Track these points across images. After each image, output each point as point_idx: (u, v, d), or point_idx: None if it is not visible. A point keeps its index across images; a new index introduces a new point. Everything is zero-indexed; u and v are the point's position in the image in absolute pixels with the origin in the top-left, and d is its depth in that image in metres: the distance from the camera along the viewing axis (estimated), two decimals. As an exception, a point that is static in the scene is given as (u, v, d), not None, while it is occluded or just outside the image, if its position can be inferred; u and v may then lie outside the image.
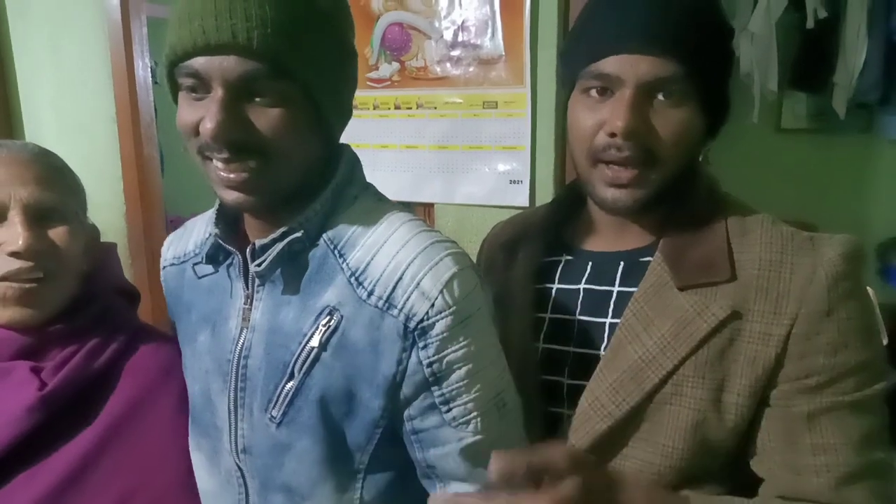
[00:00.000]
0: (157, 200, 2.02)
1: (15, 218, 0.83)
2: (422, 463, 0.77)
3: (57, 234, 0.86)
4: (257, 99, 0.69)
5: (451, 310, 0.71)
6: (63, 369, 0.84)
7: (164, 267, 0.93)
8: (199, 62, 0.67)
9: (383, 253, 0.74)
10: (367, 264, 0.74)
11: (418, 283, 0.71)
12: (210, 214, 0.85)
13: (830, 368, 0.73)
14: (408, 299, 0.71)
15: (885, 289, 2.97)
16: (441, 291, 0.71)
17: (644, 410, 0.78)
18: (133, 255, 1.98)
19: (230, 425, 0.79)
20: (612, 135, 0.77)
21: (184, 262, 0.89)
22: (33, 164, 0.87)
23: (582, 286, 0.87)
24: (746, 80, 3.37)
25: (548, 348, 0.87)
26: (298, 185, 0.75)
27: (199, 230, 0.90)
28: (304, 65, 0.69)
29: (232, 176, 0.71)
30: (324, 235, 0.77)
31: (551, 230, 0.93)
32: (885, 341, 0.98)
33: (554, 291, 0.89)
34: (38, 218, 0.85)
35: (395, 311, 0.71)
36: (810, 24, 3.20)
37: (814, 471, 0.73)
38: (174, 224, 2.19)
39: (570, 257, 0.90)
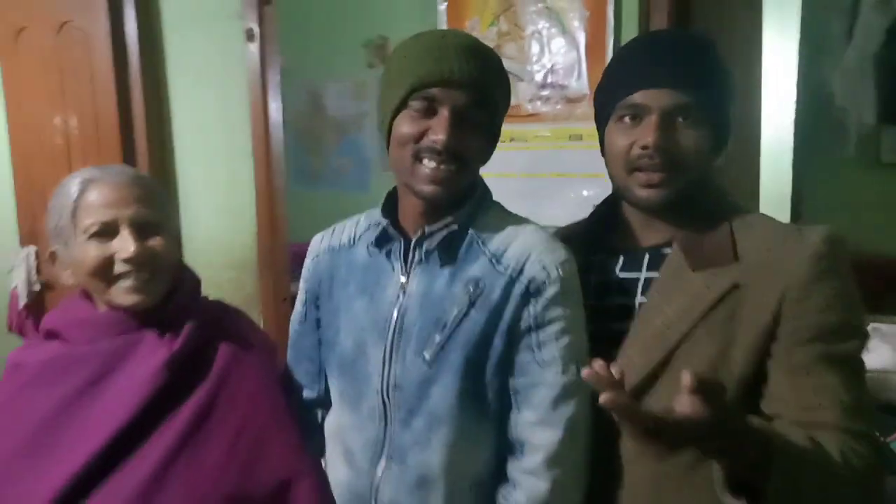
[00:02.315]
0: (283, 222, 2.31)
1: (125, 232, 1.07)
2: (511, 389, 0.99)
3: (156, 242, 1.10)
4: (469, 120, 0.97)
5: (559, 282, 0.98)
6: (181, 335, 1.08)
7: (318, 255, 1.17)
8: (433, 91, 0.96)
9: (517, 241, 1.01)
10: (505, 249, 1.00)
11: (541, 260, 0.98)
12: (361, 217, 1.14)
13: (819, 325, 0.91)
14: (532, 271, 0.97)
15: None
16: (556, 267, 0.98)
17: (667, 367, 0.96)
18: (261, 271, 2.28)
19: (384, 369, 1.02)
20: (645, 147, 0.98)
21: (338, 250, 1.14)
22: (134, 186, 1.10)
23: (617, 275, 1.06)
24: (841, 114, 3.39)
25: (591, 328, 1.05)
26: (460, 191, 1.02)
27: (348, 228, 1.15)
28: (501, 110, 1.05)
29: (440, 174, 0.96)
30: (470, 230, 1.02)
31: (591, 235, 1.14)
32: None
33: (595, 282, 1.08)
34: (141, 230, 1.08)
35: (523, 279, 0.98)
36: (907, 57, 3.20)
37: (819, 407, 0.89)
38: (296, 248, 2.48)
39: (604, 255, 1.10)
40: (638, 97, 0.99)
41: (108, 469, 0.99)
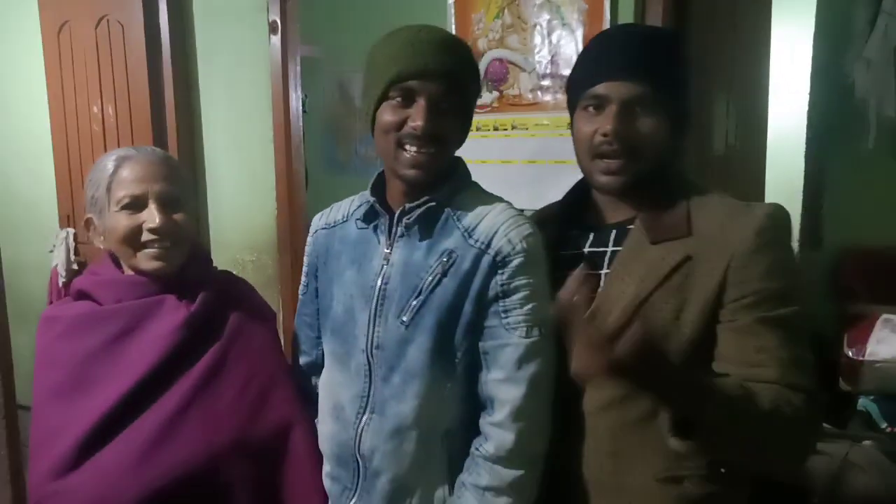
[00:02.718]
0: (301, 207, 2.43)
1: (152, 206, 1.20)
2: (481, 351, 1.10)
3: (179, 216, 1.23)
4: (443, 106, 1.07)
5: (523, 253, 1.07)
6: (197, 300, 1.22)
7: (316, 231, 1.29)
8: (411, 83, 1.07)
9: (487, 218, 1.11)
10: (476, 225, 1.10)
11: (507, 235, 1.08)
12: (356, 197, 1.25)
13: (760, 291, 1.00)
14: (499, 244, 1.07)
15: None
16: (520, 241, 1.07)
17: (629, 328, 1.03)
18: (280, 250, 2.40)
19: (368, 330, 1.13)
20: (605, 134, 1.07)
21: (334, 226, 1.26)
22: (162, 165, 1.24)
23: (587, 249, 1.16)
24: (863, 105, 3.38)
25: None
26: (439, 172, 1.12)
27: (343, 207, 1.27)
28: (472, 95, 1.14)
29: (421, 158, 1.07)
30: (448, 207, 1.13)
31: (565, 214, 1.23)
32: None
33: (568, 255, 1.17)
34: (166, 205, 1.21)
35: (491, 251, 1.08)
36: (930, 48, 3.18)
37: (760, 364, 0.98)
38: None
39: (577, 231, 1.19)
40: (600, 88, 1.07)
41: (134, 412, 1.14)
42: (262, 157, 2.42)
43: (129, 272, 1.25)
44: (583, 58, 1.17)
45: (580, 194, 1.23)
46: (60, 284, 2.93)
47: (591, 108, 1.10)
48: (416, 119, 1.06)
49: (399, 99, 1.08)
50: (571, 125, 1.16)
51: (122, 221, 1.19)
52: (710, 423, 0.90)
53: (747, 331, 1.00)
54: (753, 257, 1.00)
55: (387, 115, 1.09)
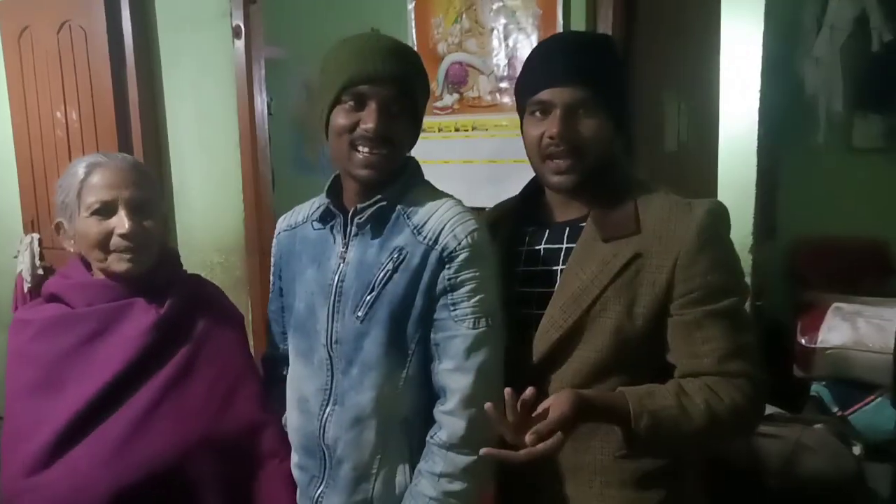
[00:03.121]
0: (269, 208, 2.46)
1: (122, 212, 1.23)
2: (433, 343, 1.15)
3: (148, 223, 1.26)
4: (394, 110, 1.13)
5: (469, 248, 1.12)
6: (167, 302, 1.25)
7: (279, 233, 1.34)
8: (362, 88, 1.11)
9: (435, 215, 1.15)
10: (425, 222, 1.15)
11: (453, 230, 1.13)
12: (316, 199, 1.29)
13: (705, 286, 1.07)
14: (445, 239, 1.12)
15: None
16: (466, 237, 1.12)
17: (583, 323, 1.12)
18: (249, 251, 2.43)
19: (328, 326, 1.18)
20: (552, 137, 1.13)
21: (295, 228, 1.31)
22: (132, 171, 1.27)
23: (542, 246, 1.20)
24: (813, 101, 3.51)
25: (521, 291, 1.20)
26: (392, 172, 1.17)
27: (304, 210, 1.31)
28: (420, 99, 1.19)
29: (373, 159, 1.13)
30: (398, 205, 1.17)
31: (520, 212, 1.29)
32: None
33: (524, 252, 1.23)
34: (135, 211, 1.24)
35: (438, 247, 1.12)
36: (875, 46, 3.31)
37: (704, 355, 1.06)
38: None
39: (532, 228, 1.24)
40: (544, 94, 1.14)
41: (105, 411, 1.17)
42: (228, 160, 2.44)
43: (98, 275, 1.27)
44: (527, 66, 1.22)
45: (534, 192, 1.29)
46: (26, 290, 2.92)
47: (537, 113, 1.16)
48: (368, 121, 1.11)
49: (351, 103, 1.12)
50: (521, 129, 1.22)
51: (93, 227, 1.22)
52: (647, 435, 1.00)
53: (694, 324, 1.07)
54: (697, 255, 1.07)
55: (340, 119, 1.14)
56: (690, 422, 1.03)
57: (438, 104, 2.00)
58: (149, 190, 1.28)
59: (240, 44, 2.37)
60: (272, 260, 1.36)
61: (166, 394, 1.20)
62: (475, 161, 1.96)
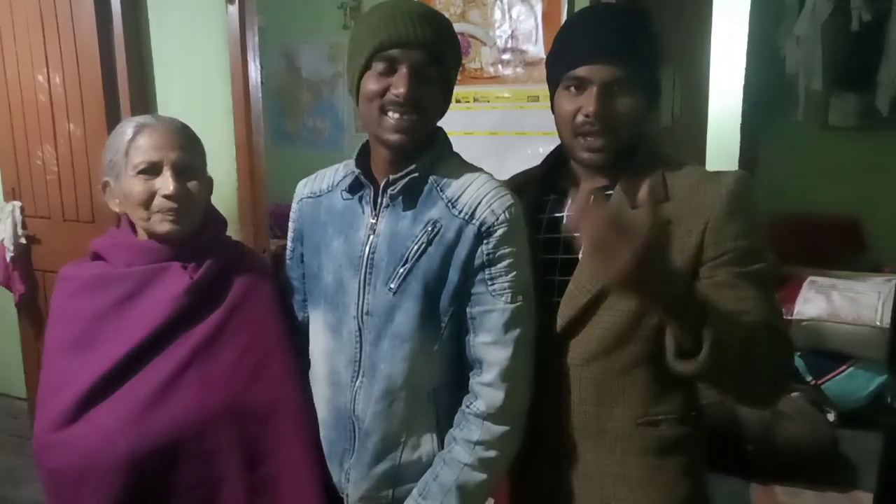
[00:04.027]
0: (262, 178, 2.45)
1: (167, 173, 1.24)
2: (468, 316, 1.16)
3: (192, 184, 1.26)
4: (424, 75, 1.12)
5: (507, 223, 1.12)
6: (202, 268, 1.26)
7: (301, 199, 1.33)
8: (393, 52, 1.11)
9: (470, 188, 1.15)
10: (459, 195, 1.15)
11: (490, 205, 1.13)
12: (339, 165, 1.28)
13: (735, 250, 1.09)
14: (483, 214, 1.12)
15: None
16: (503, 212, 1.12)
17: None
18: (241, 221, 2.42)
19: (359, 298, 1.19)
20: (587, 115, 1.13)
21: (320, 196, 1.30)
22: (179, 134, 1.28)
23: (566, 213, 1.23)
24: (792, 80, 3.58)
25: (543, 258, 1.22)
26: (425, 141, 1.16)
27: (328, 176, 1.31)
28: (451, 67, 1.17)
29: (403, 123, 1.12)
30: (431, 177, 1.17)
31: (543, 180, 1.30)
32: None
33: (545, 219, 1.25)
34: (181, 173, 1.25)
35: (475, 222, 1.13)
36: (854, 26, 3.39)
37: (743, 311, 1.07)
38: (272, 209, 2.60)
39: (555, 196, 1.26)
40: (581, 71, 1.13)
41: (133, 373, 1.19)
42: (221, 129, 2.42)
43: (143, 236, 1.29)
44: (563, 38, 1.22)
45: (558, 161, 1.30)
46: (8, 259, 2.86)
47: (572, 88, 1.16)
48: (399, 86, 1.10)
49: (382, 68, 1.12)
50: (552, 101, 1.22)
51: (138, 186, 1.23)
52: (713, 341, 0.95)
53: (727, 284, 1.10)
54: (727, 219, 1.10)
55: (370, 84, 1.13)
56: (751, 344, 1.02)
57: (439, 75, 2.00)
58: (195, 154, 1.29)
59: (233, 9, 2.33)
60: (291, 225, 1.35)
61: (193, 359, 1.21)
62: (476, 133, 1.97)
